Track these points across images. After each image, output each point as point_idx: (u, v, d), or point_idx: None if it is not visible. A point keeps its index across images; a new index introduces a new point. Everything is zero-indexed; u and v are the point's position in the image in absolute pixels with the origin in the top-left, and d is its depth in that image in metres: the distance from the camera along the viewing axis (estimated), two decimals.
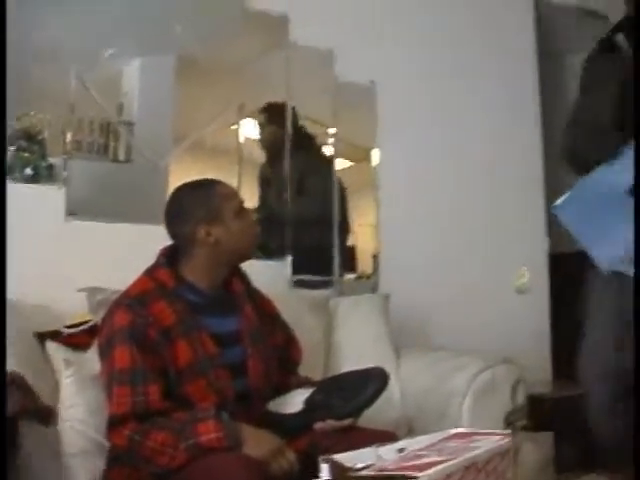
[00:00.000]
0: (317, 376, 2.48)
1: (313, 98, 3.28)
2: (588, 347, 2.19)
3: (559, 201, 2.11)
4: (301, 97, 3.20)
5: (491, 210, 3.59)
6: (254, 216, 2.17)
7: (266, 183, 3.14)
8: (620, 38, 2.11)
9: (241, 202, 2.04)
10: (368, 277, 3.34)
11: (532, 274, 3.76)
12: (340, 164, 3.33)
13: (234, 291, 2.04)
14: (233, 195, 2.05)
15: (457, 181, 3.53)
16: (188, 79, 2.92)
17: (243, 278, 2.11)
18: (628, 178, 1.94)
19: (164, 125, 2.90)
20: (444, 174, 3.51)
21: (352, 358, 2.61)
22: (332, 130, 3.28)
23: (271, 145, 3.15)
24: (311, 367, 2.45)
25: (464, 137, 3.62)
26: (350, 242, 3.39)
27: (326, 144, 3.29)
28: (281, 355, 2.14)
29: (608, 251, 2.01)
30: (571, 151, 2.23)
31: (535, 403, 2.79)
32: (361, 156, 3.45)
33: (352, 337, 2.72)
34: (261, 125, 3.15)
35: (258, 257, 2.68)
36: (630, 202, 1.93)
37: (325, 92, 3.26)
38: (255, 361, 1.96)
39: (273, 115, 3.14)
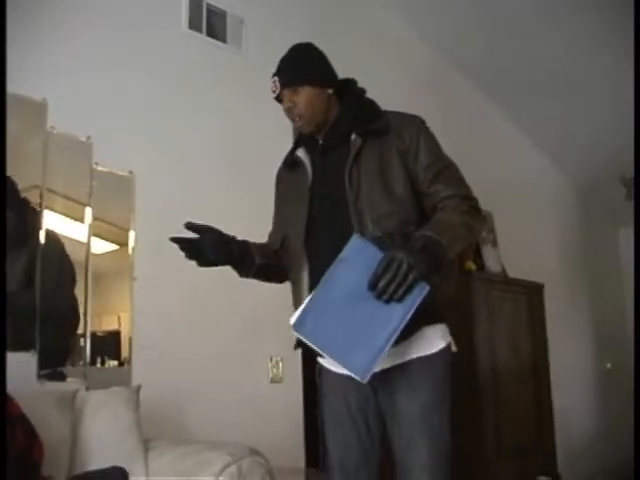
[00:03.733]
0: (62, 474, 2.40)
1: (70, 182, 3.25)
2: (326, 446, 2.23)
3: (294, 318, 1.83)
4: (58, 181, 3.16)
5: (248, 301, 3.63)
6: None
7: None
8: (301, 153, 2.24)
9: None
10: (129, 363, 3.28)
11: (286, 363, 3.88)
12: (100, 248, 3.31)
13: None
14: None
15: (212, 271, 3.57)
16: None
17: None
18: (364, 272, 1.81)
19: None
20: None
21: (99, 454, 2.55)
22: (88, 210, 3.25)
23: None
24: (56, 465, 2.38)
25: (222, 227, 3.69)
26: (110, 329, 3.33)
27: (82, 224, 3.24)
28: (22, 456, 2.04)
29: (360, 361, 1.80)
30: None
31: None
32: (120, 239, 3.43)
33: (100, 432, 2.63)
34: None
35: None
36: (373, 301, 1.80)
37: (83, 177, 3.25)
38: None
39: None
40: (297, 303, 2.15)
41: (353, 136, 2.13)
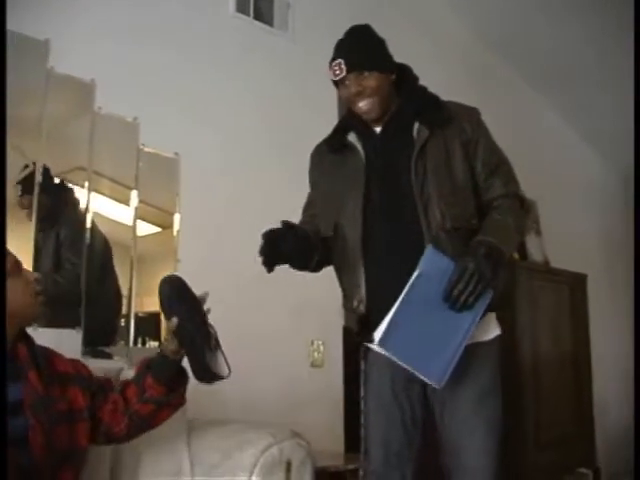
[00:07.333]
0: (105, 450, 2.42)
1: (117, 164, 3.26)
2: (368, 428, 2.25)
3: (379, 334, 1.91)
4: (105, 163, 3.18)
5: (290, 284, 3.62)
6: (33, 275, 2.07)
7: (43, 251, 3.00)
8: (352, 138, 2.22)
9: (13, 261, 1.95)
10: None
11: (327, 348, 3.88)
12: (143, 230, 3.33)
13: (19, 357, 1.93)
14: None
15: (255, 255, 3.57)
16: None
17: (27, 340, 1.99)
18: (438, 283, 1.94)
19: None
20: (244, 247, 3.56)
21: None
22: (134, 193, 3.26)
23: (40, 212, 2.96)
24: None
25: (267, 210, 3.69)
26: (152, 310, 3.34)
27: (127, 207, 3.26)
28: (90, 413, 2.07)
29: (437, 369, 1.94)
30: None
31: (323, 476, 2.84)
32: (164, 222, 3.44)
33: None
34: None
35: (48, 326, 2.63)
36: (445, 310, 1.93)
37: (129, 158, 3.27)
38: (35, 433, 1.84)
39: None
40: (350, 292, 2.20)
41: (417, 125, 2.13)
